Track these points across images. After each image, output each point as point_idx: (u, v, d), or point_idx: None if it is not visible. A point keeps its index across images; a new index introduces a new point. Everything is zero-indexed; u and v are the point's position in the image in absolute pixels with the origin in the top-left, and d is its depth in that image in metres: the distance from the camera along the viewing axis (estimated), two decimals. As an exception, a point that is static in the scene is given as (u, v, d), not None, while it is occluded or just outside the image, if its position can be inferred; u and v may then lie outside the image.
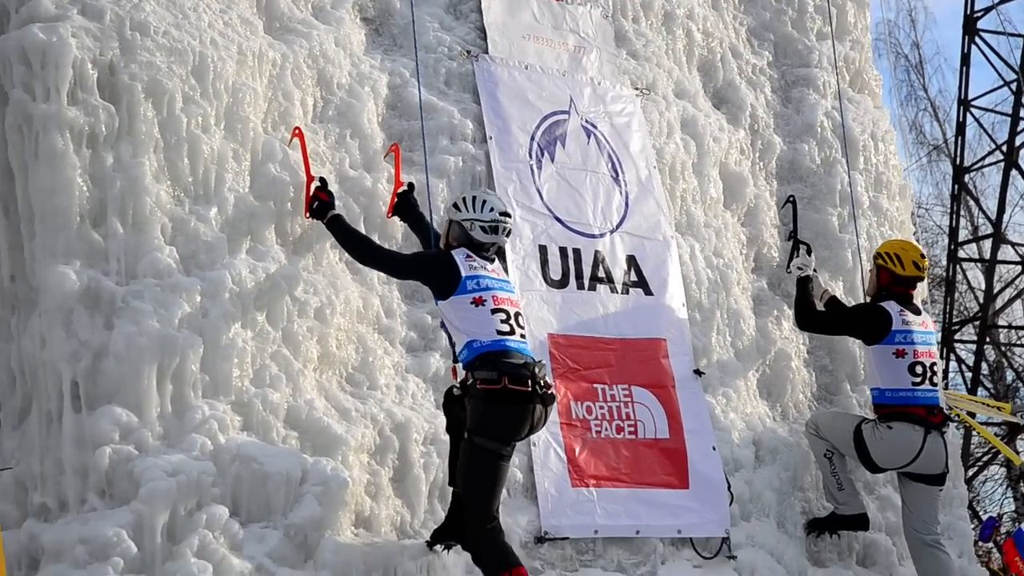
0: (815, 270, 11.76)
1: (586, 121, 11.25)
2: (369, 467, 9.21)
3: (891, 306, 11.12)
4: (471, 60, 10.88)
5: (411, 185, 9.91)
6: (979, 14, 30.02)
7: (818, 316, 11.55)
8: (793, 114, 13.00)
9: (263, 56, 9.70)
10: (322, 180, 9.51)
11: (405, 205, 9.86)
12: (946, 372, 28.78)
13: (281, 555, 8.61)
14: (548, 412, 9.00)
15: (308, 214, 9.47)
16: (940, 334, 29.33)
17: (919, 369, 11.00)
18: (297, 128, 9.68)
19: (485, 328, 8.86)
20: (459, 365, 8.95)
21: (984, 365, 32.10)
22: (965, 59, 30.16)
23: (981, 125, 31.36)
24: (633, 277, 11.01)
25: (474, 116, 10.72)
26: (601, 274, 10.84)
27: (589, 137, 11.22)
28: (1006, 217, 31.38)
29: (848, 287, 12.31)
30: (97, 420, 8.46)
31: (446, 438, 9.30)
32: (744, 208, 12.24)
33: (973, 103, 30.73)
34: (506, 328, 8.89)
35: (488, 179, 10.54)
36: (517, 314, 9.05)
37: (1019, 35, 30.54)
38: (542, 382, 8.85)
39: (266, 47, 9.77)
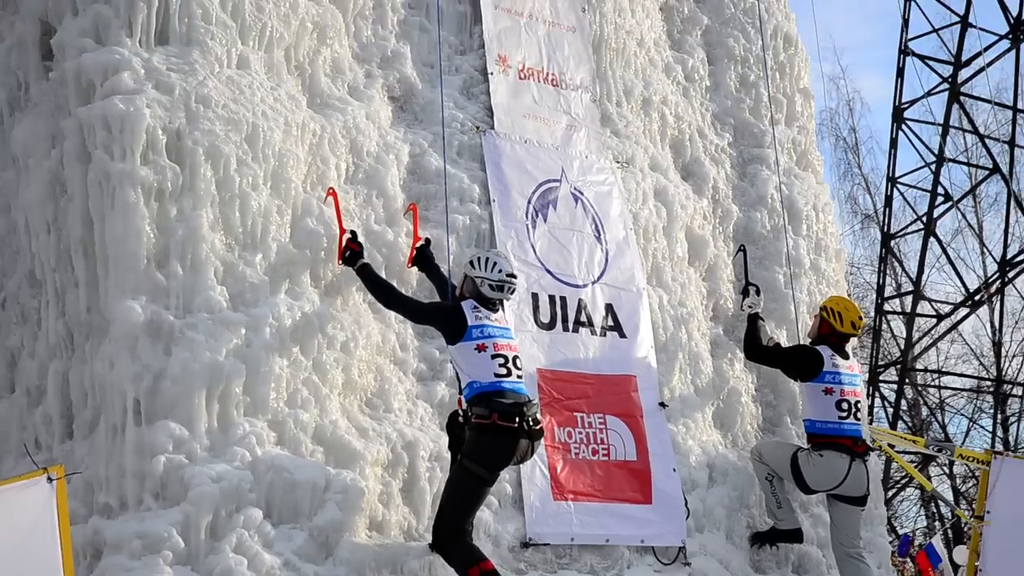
0: (762, 318, 11.83)
1: (574, 189, 11.24)
2: (382, 479, 9.21)
3: (824, 350, 11.20)
4: (480, 134, 10.88)
5: (427, 240, 9.97)
6: (906, 105, 30.18)
7: (763, 349, 11.59)
8: (748, 187, 13.01)
9: (305, 127, 9.73)
10: (353, 233, 9.55)
11: (423, 257, 9.91)
12: (871, 408, 28.82)
13: (306, 553, 8.64)
14: (535, 446, 9.12)
15: (340, 261, 9.50)
16: (866, 376, 29.38)
17: (845, 405, 11.05)
18: (331, 188, 9.71)
19: (485, 371, 8.98)
20: (462, 398, 9.05)
21: (903, 403, 32.14)
22: (893, 143, 30.32)
23: (905, 199, 31.50)
24: (610, 322, 11.00)
25: (480, 182, 10.72)
26: (583, 319, 10.84)
27: (576, 202, 11.23)
28: (924, 277, 31.49)
29: (791, 336, 12.32)
30: (155, 433, 8.50)
31: (448, 455, 9.32)
32: (705, 266, 12.26)
33: (899, 180, 30.87)
34: (503, 371, 9.00)
35: (491, 235, 10.54)
36: (515, 357, 9.14)
37: (939, 124, 30.69)
38: (531, 420, 8.93)
39: (308, 119, 9.80)
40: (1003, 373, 34.81)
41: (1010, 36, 30.46)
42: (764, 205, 12.93)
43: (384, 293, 9.40)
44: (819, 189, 13.65)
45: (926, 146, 30.69)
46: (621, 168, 11.74)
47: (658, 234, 11.80)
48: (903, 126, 30.24)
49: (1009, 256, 32.27)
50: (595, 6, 12.13)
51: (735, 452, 11.59)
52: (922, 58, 30.46)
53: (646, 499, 10.56)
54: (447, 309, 9.33)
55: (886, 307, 31.36)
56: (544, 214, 10.99)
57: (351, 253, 9.46)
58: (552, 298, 10.71)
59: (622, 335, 11.05)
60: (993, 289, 33.04)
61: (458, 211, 10.47)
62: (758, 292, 11.87)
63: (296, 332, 9.15)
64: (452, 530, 8.89)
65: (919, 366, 32.87)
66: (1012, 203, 31.84)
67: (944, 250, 32.49)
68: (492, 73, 11.18)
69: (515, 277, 9.45)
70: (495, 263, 9.33)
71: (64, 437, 9.28)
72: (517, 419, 8.90)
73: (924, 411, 35.10)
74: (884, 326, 31.66)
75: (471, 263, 9.41)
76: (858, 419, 11.16)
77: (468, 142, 10.85)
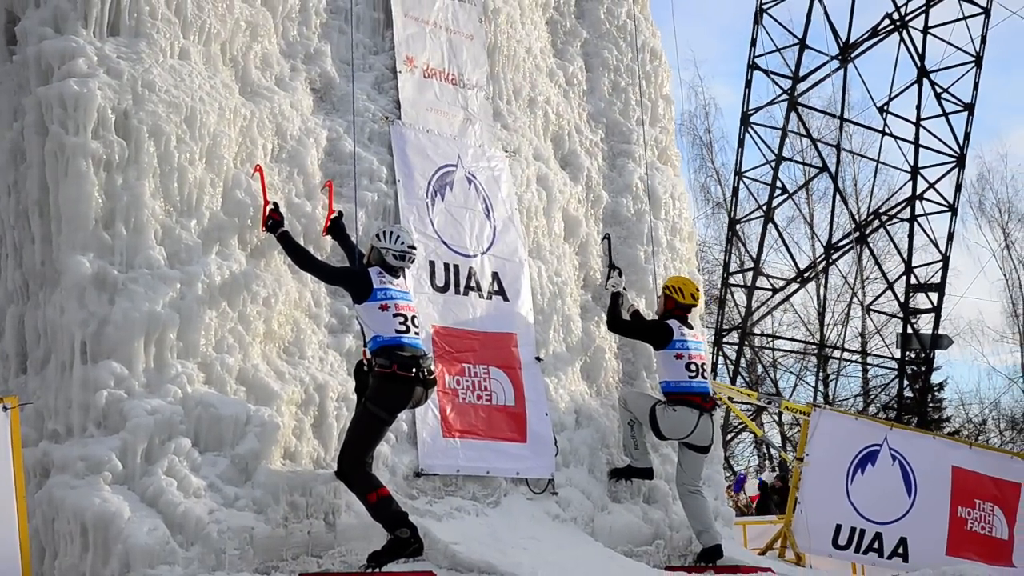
0: (625, 288, 11.88)
1: (469, 173, 11.17)
2: (296, 415, 9.14)
3: (673, 323, 11.29)
4: (388, 124, 10.76)
5: (340, 213, 9.89)
6: (752, 112, 30.52)
7: (623, 323, 11.64)
8: (616, 177, 13.00)
9: (237, 111, 9.59)
10: (275, 204, 9.45)
11: (336, 227, 9.83)
12: (715, 366, 29.16)
13: (228, 476, 8.60)
14: (429, 393, 9.12)
15: (264, 229, 9.40)
16: (714, 338, 29.68)
17: (692, 367, 11.17)
18: (258, 165, 9.60)
19: (386, 327, 8.95)
20: (367, 350, 9.02)
21: (743, 361, 32.54)
22: (741, 143, 30.71)
23: (749, 191, 31.96)
24: (496, 287, 10.97)
25: (388, 164, 10.61)
26: (473, 284, 10.79)
27: (470, 184, 11.16)
28: (763, 256, 31.91)
29: (649, 303, 12.37)
30: (98, 370, 8.41)
31: (354, 397, 9.26)
32: (578, 242, 12.24)
33: (745, 174, 31.25)
34: (403, 328, 8.97)
35: (395, 210, 10.45)
36: (413, 317, 9.13)
37: (779, 128, 31.05)
38: (425, 371, 8.94)
39: (239, 105, 9.66)
40: (825, 339, 35.41)
41: (840, 57, 30.90)
42: (629, 192, 12.93)
43: (301, 257, 9.30)
44: (676, 180, 13.68)
45: (768, 146, 31.17)
46: (509, 157, 11.68)
47: (539, 214, 11.77)
48: (749, 129, 30.59)
49: (834, 241, 32.78)
50: (491, 18, 12.06)
51: (599, 400, 11.63)
52: (767, 72, 30.81)
53: (522, 438, 10.56)
54: (356, 272, 9.26)
55: (730, 281, 31.79)
56: (442, 194, 10.91)
57: (273, 222, 9.36)
58: (447, 265, 10.65)
59: (506, 299, 11.02)
60: (820, 268, 33.56)
61: (368, 189, 10.38)
62: (620, 274, 11.89)
63: (224, 288, 9.04)
64: (354, 461, 8.84)
65: (756, 331, 33.31)
66: (837, 197, 32.35)
67: (780, 234, 32.97)
68: (400, 72, 11.06)
69: (415, 248, 9.42)
70: (398, 236, 9.29)
71: (19, 372, 9.15)
72: (414, 370, 8.88)
73: (759, 369, 35.64)
74: (728, 296, 32.04)
75: (377, 236, 9.34)
76: (705, 378, 11.28)
77: (378, 130, 10.73)
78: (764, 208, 31.03)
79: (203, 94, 9.35)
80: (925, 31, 30.95)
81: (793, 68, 30.93)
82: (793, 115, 30.90)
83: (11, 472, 7.34)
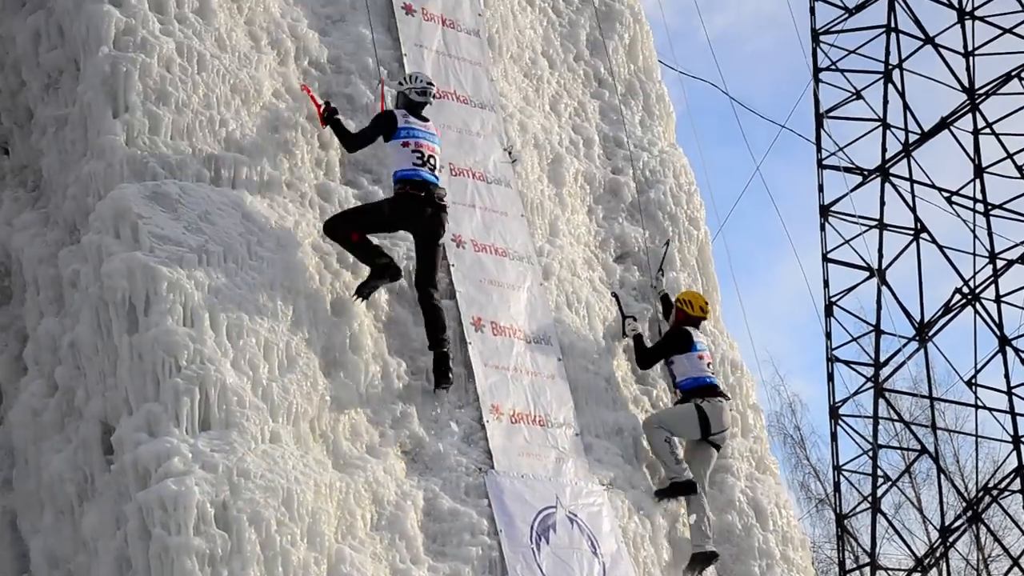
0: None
1: (569, 512, 11.12)
2: None
3: (689, 328, 12.58)
4: (483, 475, 10.78)
5: (328, 102, 11.16)
6: (839, 404, 30.41)
7: (649, 353, 12.67)
8: (717, 494, 12.82)
9: (333, 486, 9.67)
10: (327, 102, 10.96)
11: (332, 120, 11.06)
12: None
13: None
14: (439, 220, 10.65)
15: (324, 123, 10.86)
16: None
17: (709, 365, 12.54)
18: (304, 84, 11.17)
19: (406, 161, 10.65)
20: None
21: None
22: (833, 436, 30.47)
23: (851, 483, 31.38)
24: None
25: (487, 516, 10.55)
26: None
27: (572, 524, 11.09)
28: (878, 549, 31.07)
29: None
30: None
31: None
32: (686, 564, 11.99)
33: (843, 468, 30.82)
34: (419, 162, 10.63)
35: (501, 562, 10.34)
36: (431, 156, 10.75)
37: (869, 416, 30.84)
38: (437, 196, 10.61)
39: (335, 479, 9.75)
40: (959, 627, 33.98)
41: (917, 338, 30.94)
42: (733, 507, 12.78)
43: (351, 140, 10.84)
44: (777, 488, 13.48)
45: (862, 436, 30.84)
46: (607, 489, 11.64)
47: (645, 543, 11.62)
48: (840, 422, 30.40)
49: (947, 523, 31.95)
50: (567, 352, 12.26)
51: None
52: (847, 363, 30.81)
53: None
54: (381, 115, 10.91)
55: (849, 578, 30.87)
56: (546, 537, 10.85)
57: (329, 113, 10.79)
58: (563, 605, 10.49)
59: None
60: (938, 554, 32.57)
61: (471, 544, 10.32)
62: (635, 318, 12.82)
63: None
64: (340, 223, 10.42)
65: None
66: (942, 478, 31.73)
67: (890, 523, 32.22)
68: (488, 421, 11.18)
69: (433, 85, 11.08)
70: (417, 76, 11.08)
71: None
72: (424, 192, 10.49)
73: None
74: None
75: (399, 82, 11.07)
76: (714, 373, 12.59)
77: (473, 483, 10.74)
78: (869, 500, 30.42)
79: (297, 474, 9.45)
80: (998, 300, 31.00)
81: (872, 355, 30.91)
82: (881, 401, 30.69)
83: None
